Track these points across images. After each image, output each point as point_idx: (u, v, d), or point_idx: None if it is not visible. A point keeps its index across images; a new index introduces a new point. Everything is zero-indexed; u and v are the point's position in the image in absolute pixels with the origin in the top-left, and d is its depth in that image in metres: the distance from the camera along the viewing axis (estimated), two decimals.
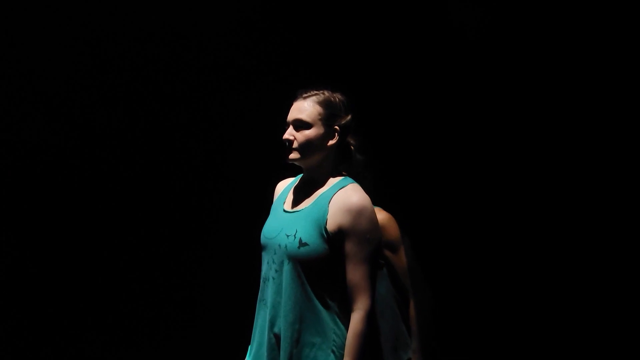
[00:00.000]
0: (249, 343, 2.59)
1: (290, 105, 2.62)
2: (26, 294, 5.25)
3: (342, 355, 2.32)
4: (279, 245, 2.43)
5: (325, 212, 2.39)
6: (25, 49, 5.18)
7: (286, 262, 2.40)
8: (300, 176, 2.65)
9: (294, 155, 2.48)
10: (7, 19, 5.05)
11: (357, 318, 2.32)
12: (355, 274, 2.32)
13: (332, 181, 2.52)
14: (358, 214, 2.36)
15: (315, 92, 2.58)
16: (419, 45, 5.19)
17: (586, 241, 4.95)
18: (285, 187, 2.66)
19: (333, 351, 2.35)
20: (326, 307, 2.37)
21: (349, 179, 2.53)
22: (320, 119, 2.51)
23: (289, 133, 2.50)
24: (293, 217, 2.47)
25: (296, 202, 2.52)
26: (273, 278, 2.44)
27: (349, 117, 2.60)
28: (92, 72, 5.25)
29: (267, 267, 2.47)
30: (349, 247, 2.34)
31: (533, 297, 5.04)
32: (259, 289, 2.56)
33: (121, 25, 5.17)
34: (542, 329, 5.02)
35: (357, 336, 2.30)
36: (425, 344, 3.16)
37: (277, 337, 2.40)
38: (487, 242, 5.15)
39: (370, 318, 2.35)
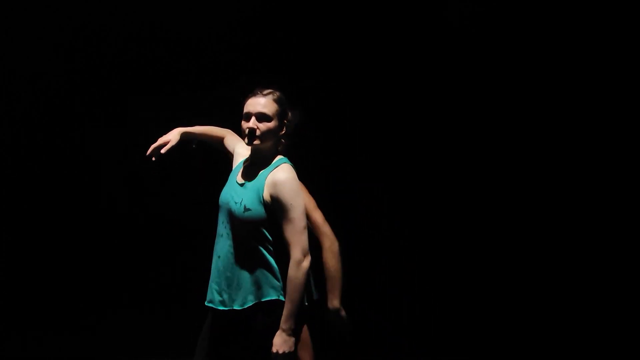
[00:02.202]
0: None
1: (245, 99, 3.12)
2: None
3: (280, 286, 3.05)
4: (230, 210, 3.10)
5: (263, 185, 3.07)
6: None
7: (235, 222, 3.08)
8: (249, 153, 3.27)
9: (257, 142, 3.08)
10: None
11: (289, 265, 3.00)
12: (286, 230, 3.01)
13: (273, 162, 3.14)
14: (281, 186, 3.03)
15: (270, 90, 3.12)
16: (415, 42, 5.19)
17: (572, 238, 4.98)
18: (241, 160, 3.28)
19: (274, 285, 3.06)
20: (269, 253, 3.06)
21: (284, 159, 3.15)
22: (277, 114, 3.10)
23: (254, 123, 3.07)
24: (241, 188, 3.13)
25: (245, 176, 3.16)
26: (227, 234, 3.11)
27: (290, 114, 3.19)
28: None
29: (222, 225, 3.15)
30: (279, 211, 3.02)
31: (520, 295, 5.06)
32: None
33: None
34: (535, 327, 5.03)
35: (289, 280, 2.99)
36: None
37: (230, 279, 3.09)
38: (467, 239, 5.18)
39: (299, 265, 2.99)
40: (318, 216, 3.41)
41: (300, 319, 3.03)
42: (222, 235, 3.14)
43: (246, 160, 3.23)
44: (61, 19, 5.18)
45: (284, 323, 2.97)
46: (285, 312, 2.98)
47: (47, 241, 5.39)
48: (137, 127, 5.29)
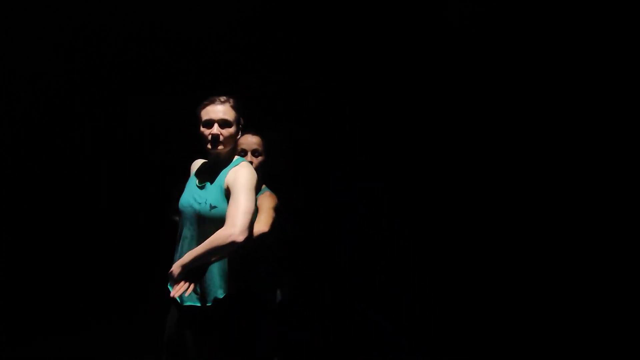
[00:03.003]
0: None
1: (201, 106, 3.31)
2: None
3: (247, 278, 3.22)
4: (193, 211, 3.24)
5: (224, 182, 3.21)
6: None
7: (201, 222, 3.21)
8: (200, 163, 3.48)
9: (221, 147, 3.26)
10: None
11: (222, 228, 3.07)
12: (229, 208, 3.10)
13: (231, 162, 3.31)
14: (238, 174, 3.17)
15: (227, 97, 3.30)
16: (415, 42, 5.19)
17: (566, 239, 4.97)
18: (199, 166, 3.46)
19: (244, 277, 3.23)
20: None
21: (242, 159, 3.35)
22: (235, 120, 3.29)
23: (217, 130, 3.26)
24: (202, 190, 3.27)
25: (205, 178, 3.32)
26: (192, 236, 3.24)
27: (243, 120, 3.38)
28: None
29: (186, 228, 3.28)
30: (232, 191, 3.13)
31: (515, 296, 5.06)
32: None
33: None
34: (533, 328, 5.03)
35: (213, 236, 3.08)
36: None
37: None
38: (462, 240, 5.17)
39: (230, 233, 3.03)
40: (264, 218, 3.46)
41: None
42: (186, 238, 3.27)
43: (202, 166, 3.43)
44: (61, 19, 5.17)
45: (186, 256, 3.12)
46: (193, 250, 3.10)
47: (47, 241, 5.39)
48: (137, 127, 5.30)
